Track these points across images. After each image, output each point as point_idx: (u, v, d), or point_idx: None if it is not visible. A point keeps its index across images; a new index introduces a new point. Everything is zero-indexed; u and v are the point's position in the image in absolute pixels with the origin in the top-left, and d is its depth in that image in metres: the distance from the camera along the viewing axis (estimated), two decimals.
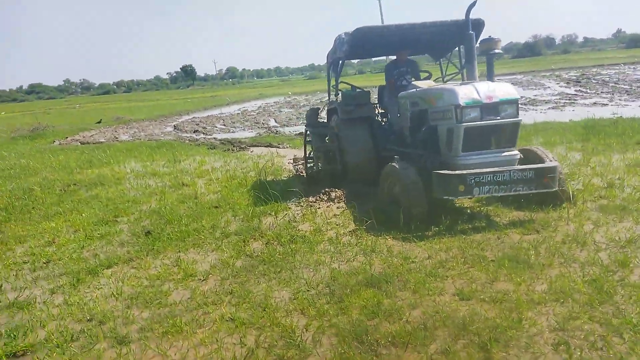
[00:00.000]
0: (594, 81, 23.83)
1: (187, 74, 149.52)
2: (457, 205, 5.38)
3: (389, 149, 6.30)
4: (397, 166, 4.88)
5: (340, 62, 7.11)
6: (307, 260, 4.15)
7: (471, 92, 4.64)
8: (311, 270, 3.95)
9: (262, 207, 5.86)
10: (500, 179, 4.45)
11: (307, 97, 35.65)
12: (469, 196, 4.47)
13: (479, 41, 5.11)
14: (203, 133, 17.24)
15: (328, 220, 5.21)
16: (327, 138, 6.98)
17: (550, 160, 4.88)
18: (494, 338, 2.72)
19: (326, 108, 7.77)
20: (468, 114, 4.60)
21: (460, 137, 4.64)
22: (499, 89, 4.70)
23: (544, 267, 3.59)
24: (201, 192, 7.04)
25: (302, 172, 8.03)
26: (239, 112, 27.49)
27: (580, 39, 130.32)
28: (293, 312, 3.29)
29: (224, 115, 25.87)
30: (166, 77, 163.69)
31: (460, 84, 4.87)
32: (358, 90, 7.13)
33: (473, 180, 4.41)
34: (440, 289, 3.41)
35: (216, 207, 6.15)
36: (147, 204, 6.64)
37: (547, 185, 4.56)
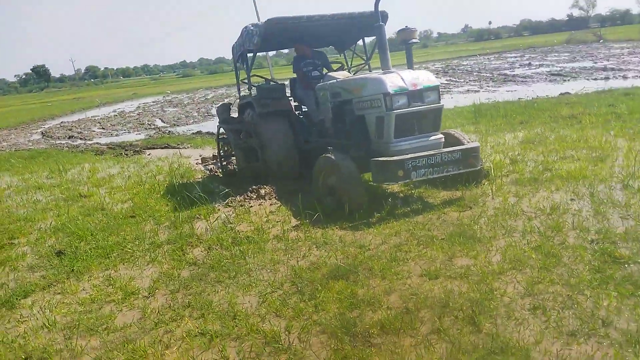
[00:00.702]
0: (459, 71, 26.29)
1: (40, 75, 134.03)
2: (389, 190, 5.53)
3: (313, 141, 6.25)
4: (333, 157, 4.85)
5: (252, 55, 6.87)
6: (260, 260, 3.94)
7: (397, 79, 4.78)
8: (269, 270, 3.76)
9: (187, 212, 5.45)
10: (433, 161, 4.65)
11: (190, 95, 34.25)
12: (407, 180, 4.61)
13: (396, 32, 5.28)
14: (80, 138, 15.64)
15: (266, 218, 5.02)
16: (241, 134, 6.72)
17: (469, 142, 5.24)
18: (477, 311, 2.82)
19: (236, 103, 7.46)
20: (397, 101, 4.73)
21: (392, 124, 4.76)
22: (422, 77, 4.90)
23: (491, 240, 3.83)
24: (107, 202, 6.35)
25: (216, 172, 7.66)
26: (115, 113, 25.46)
27: (435, 35, 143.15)
28: (267, 315, 3.10)
29: (99, 118, 23.76)
30: (14, 80, 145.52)
31: (384, 73, 4.98)
32: (272, 83, 6.97)
33: (410, 165, 4.55)
34: (406, 272, 3.46)
35: (132, 216, 5.58)
36: (43, 222, 5.81)
37: (472, 164, 4.88)
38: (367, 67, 7.12)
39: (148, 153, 10.39)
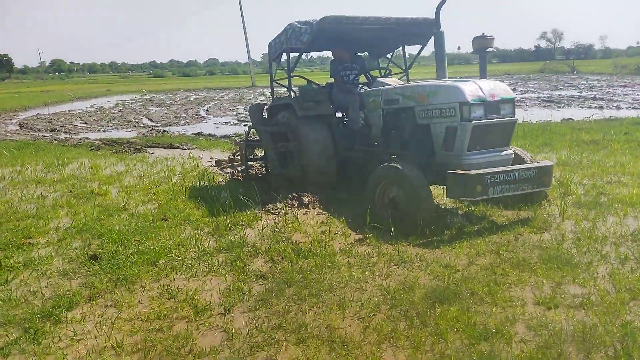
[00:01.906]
0: None
1: (2, 65, 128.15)
2: (443, 206, 5.24)
3: (357, 149, 5.90)
4: (400, 167, 4.51)
5: (297, 54, 6.49)
6: (337, 277, 3.54)
7: (476, 89, 4.51)
8: (353, 289, 3.36)
9: (225, 217, 4.98)
10: (511, 178, 4.39)
11: (169, 96, 33.29)
12: (485, 196, 4.32)
13: (472, 39, 5.00)
14: (65, 132, 14.73)
15: (321, 229, 4.61)
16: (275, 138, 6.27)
17: (532, 160, 5.02)
18: (628, 345, 2.52)
19: (268, 105, 7.02)
20: (474, 111, 4.45)
21: (467, 135, 4.47)
22: (499, 87, 4.65)
23: (589, 266, 3.56)
24: (127, 202, 5.78)
25: (238, 176, 7.18)
26: (94, 109, 24.33)
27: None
28: (381, 344, 2.70)
29: (77, 112, 22.63)
30: None
31: (459, 81, 4.71)
32: (315, 85, 6.60)
33: (489, 180, 4.27)
34: (517, 298, 3.14)
35: (164, 219, 5.06)
36: (58, 219, 5.21)
37: (545, 183, 4.65)
38: (405, 76, 6.84)
39: (151, 152, 9.75)
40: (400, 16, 5.96)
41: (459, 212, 5.10)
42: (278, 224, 4.76)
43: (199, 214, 5.22)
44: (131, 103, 27.09)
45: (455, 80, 4.77)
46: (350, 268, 3.69)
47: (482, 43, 4.77)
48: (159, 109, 22.79)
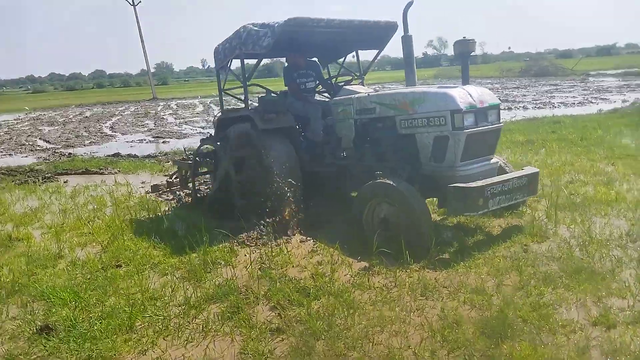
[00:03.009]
0: None
1: None
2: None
3: (327, 164, 5.42)
4: (392, 184, 4.13)
5: (256, 60, 5.84)
6: (367, 320, 3.05)
7: (465, 95, 4.27)
8: (393, 333, 2.90)
9: (195, 255, 4.25)
10: (507, 188, 4.20)
11: (61, 113, 30.06)
12: (485, 210, 4.08)
13: (453, 43, 4.75)
14: None
15: (314, 260, 4.08)
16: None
17: (506, 164, 4.92)
18: None
19: (217, 117, 6.26)
20: (467, 119, 4.21)
21: (460, 145, 4.20)
22: (485, 93, 4.47)
23: (614, 274, 3.45)
24: (61, 248, 4.76)
25: (186, 200, 6.35)
26: None
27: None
28: None
29: None
30: None
31: (446, 87, 4.45)
32: (273, 94, 5.99)
33: (489, 192, 4.04)
34: (569, 320, 2.89)
35: (118, 265, 4.21)
36: None
37: (533, 191, 4.56)
38: (360, 82, 6.48)
39: (64, 180, 8.40)
40: (362, 19, 5.62)
41: (448, 224, 4.85)
42: (263, 258, 4.14)
43: (159, 254, 4.42)
44: (17, 123, 23.94)
45: (440, 87, 4.51)
46: (375, 306, 3.22)
47: (464, 47, 4.55)
48: (52, 128, 20.35)
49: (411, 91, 4.63)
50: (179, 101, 36.90)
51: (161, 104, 34.88)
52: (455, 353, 2.64)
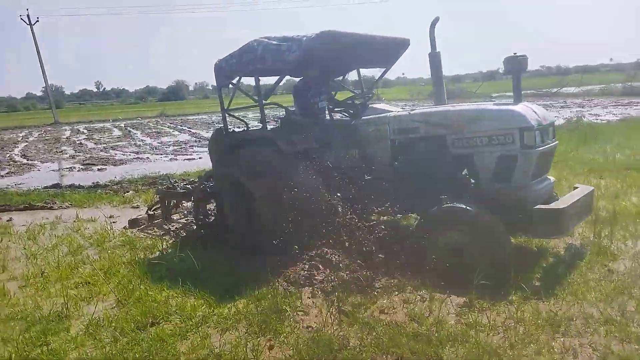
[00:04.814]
0: None
1: None
2: None
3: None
4: (469, 209, 3.78)
5: (278, 78, 5.20)
6: None
7: (532, 112, 4.09)
8: None
9: (248, 302, 3.56)
10: (580, 208, 4.06)
11: None
12: (568, 232, 3.89)
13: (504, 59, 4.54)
14: None
15: (398, 299, 3.58)
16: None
17: (575, 186, 4.78)
18: None
19: (216, 140, 5.49)
20: (537, 137, 4.01)
21: (532, 165, 3.99)
22: (543, 111, 4.33)
23: None
24: (64, 305, 3.77)
25: (181, 232, 5.48)
26: None
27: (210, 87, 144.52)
28: None
29: None
30: None
31: (505, 104, 4.23)
32: (292, 112, 5.37)
33: (572, 213, 3.86)
34: None
35: (154, 323, 3.39)
36: None
37: (590, 210, 4.47)
38: (363, 99, 6.08)
39: (8, 219, 6.98)
40: (378, 34, 5.29)
41: None
42: (337, 300, 3.55)
43: (199, 304, 3.64)
44: None
45: (500, 104, 4.30)
46: (516, 350, 2.81)
47: (515, 64, 4.38)
48: None
49: (466, 108, 4.36)
50: (87, 125, 34.09)
51: (67, 128, 31.93)
52: None
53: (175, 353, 2.98)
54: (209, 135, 20.57)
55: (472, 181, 4.53)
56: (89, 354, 3.01)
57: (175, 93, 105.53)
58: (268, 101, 5.19)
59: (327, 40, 4.57)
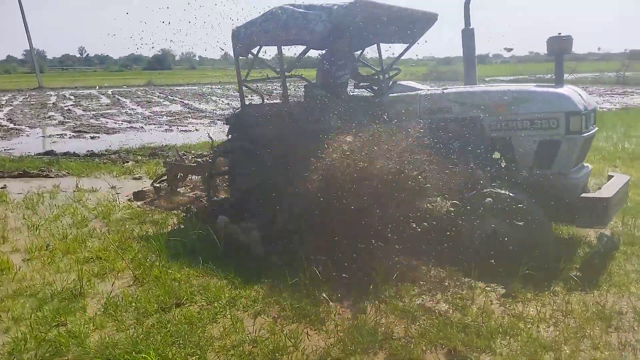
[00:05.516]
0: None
1: None
2: None
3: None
4: (511, 195, 3.60)
5: (305, 48, 4.89)
6: None
7: (578, 96, 3.89)
8: None
9: (278, 283, 3.35)
10: (620, 197, 3.91)
11: None
12: (609, 222, 3.75)
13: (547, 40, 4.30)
14: None
15: (437, 287, 3.41)
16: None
17: (610, 175, 4.63)
18: None
19: (232, 115, 5.20)
20: (583, 122, 3.82)
21: (575, 150, 3.81)
22: (588, 96, 4.13)
23: None
24: (77, 281, 3.52)
25: (192, 207, 5.21)
26: None
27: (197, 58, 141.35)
28: None
29: None
30: None
31: (549, 86, 4.02)
32: (314, 85, 5.07)
33: (615, 203, 3.71)
34: None
35: (179, 304, 3.17)
36: None
37: (625, 200, 4.34)
38: (381, 76, 5.79)
39: (2, 185, 6.60)
40: (408, 7, 4.98)
41: None
42: (378, 289, 3.35)
43: (225, 285, 3.43)
44: None
45: (541, 86, 4.08)
46: (570, 345, 2.66)
47: (559, 44, 4.14)
48: None
49: (506, 90, 4.13)
50: (73, 91, 33.07)
51: (52, 94, 30.91)
52: None
53: (207, 337, 2.77)
54: (201, 107, 20.18)
55: (503, 165, 4.36)
56: (111, 337, 2.78)
57: (161, 62, 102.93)
58: (290, 74, 4.87)
59: (359, 11, 4.28)
